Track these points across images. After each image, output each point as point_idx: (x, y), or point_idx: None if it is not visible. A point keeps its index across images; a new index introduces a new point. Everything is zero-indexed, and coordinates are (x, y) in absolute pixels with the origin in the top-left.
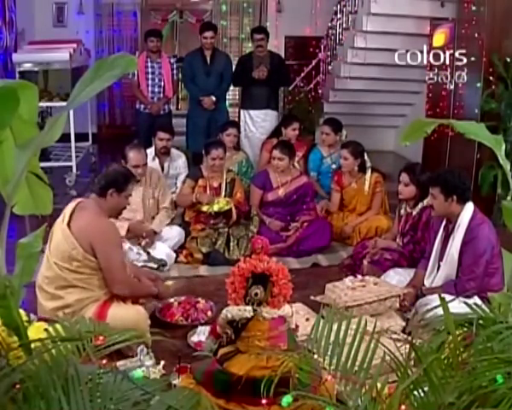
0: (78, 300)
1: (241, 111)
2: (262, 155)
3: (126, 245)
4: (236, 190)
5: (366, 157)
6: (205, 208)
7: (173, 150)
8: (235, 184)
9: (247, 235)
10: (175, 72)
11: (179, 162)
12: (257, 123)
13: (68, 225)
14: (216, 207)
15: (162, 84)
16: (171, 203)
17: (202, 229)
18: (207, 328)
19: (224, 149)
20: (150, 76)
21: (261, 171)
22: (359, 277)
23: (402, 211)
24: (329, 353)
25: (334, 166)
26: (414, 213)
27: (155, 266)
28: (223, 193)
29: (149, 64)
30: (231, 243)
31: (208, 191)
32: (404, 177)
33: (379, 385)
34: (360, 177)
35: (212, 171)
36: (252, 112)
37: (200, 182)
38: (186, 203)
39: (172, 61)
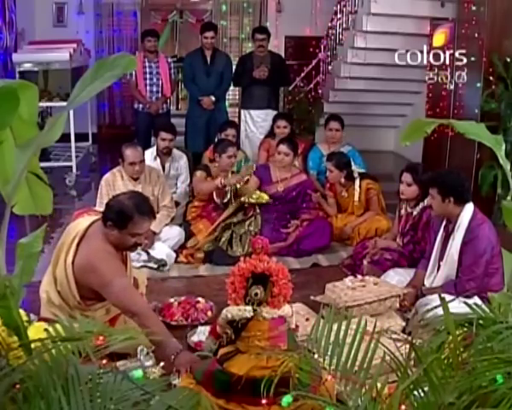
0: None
1: (242, 111)
2: (260, 154)
3: None
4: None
5: (354, 166)
6: (242, 198)
7: (175, 151)
8: None
9: (250, 232)
10: (173, 71)
11: (181, 163)
12: (257, 123)
13: (75, 253)
14: (253, 198)
15: (160, 83)
16: (171, 202)
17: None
18: (207, 328)
19: (237, 147)
20: (148, 76)
21: (263, 164)
22: (359, 277)
23: (402, 211)
24: (329, 353)
25: None
26: (414, 213)
27: (155, 266)
28: (228, 194)
29: (147, 64)
30: (234, 240)
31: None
32: (407, 177)
33: (379, 385)
34: (350, 185)
35: (224, 170)
36: (252, 112)
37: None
38: (209, 188)
39: (170, 60)
